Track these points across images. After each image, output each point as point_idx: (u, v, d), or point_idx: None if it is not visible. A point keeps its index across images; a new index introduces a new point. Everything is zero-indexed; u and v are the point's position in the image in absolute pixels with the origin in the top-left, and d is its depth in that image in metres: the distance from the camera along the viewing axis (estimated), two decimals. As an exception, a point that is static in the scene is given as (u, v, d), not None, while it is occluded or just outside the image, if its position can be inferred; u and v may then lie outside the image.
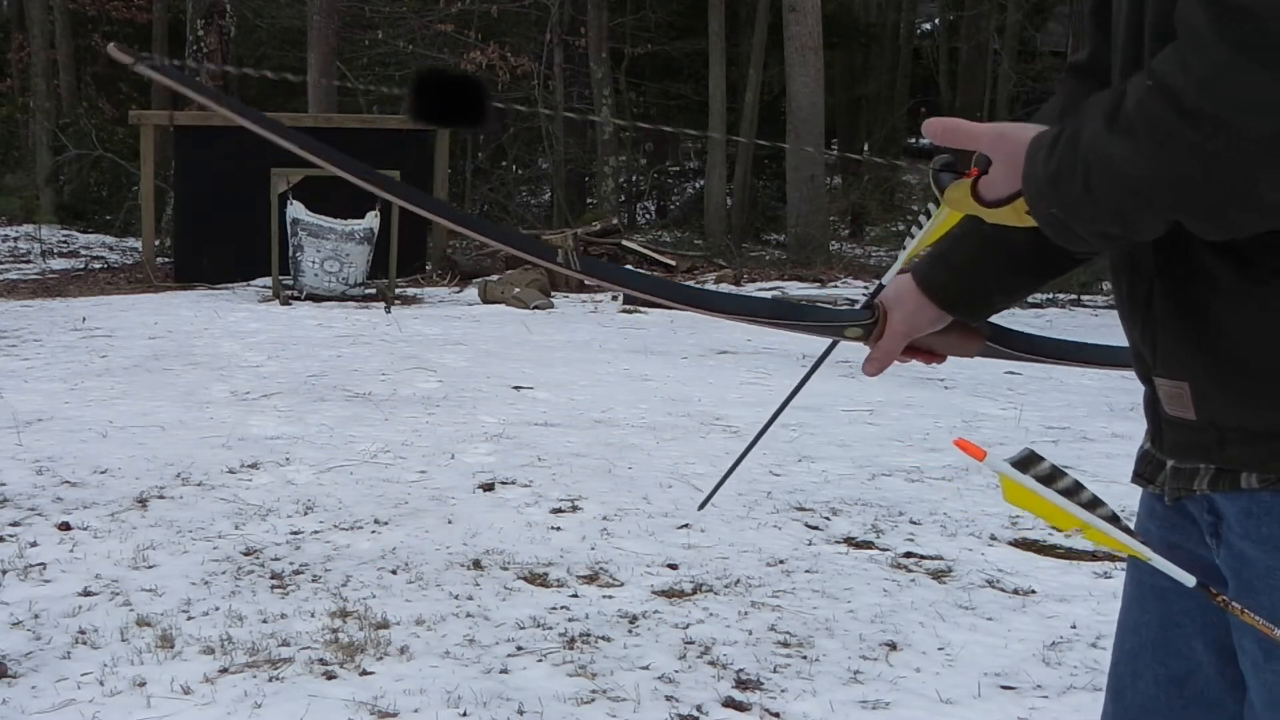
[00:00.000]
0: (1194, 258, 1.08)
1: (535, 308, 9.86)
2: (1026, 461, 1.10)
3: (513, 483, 4.66)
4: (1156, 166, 0.97)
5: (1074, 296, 11.23)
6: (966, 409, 6.31)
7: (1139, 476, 1.29)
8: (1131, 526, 1.16)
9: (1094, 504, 1.10)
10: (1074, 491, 1.10)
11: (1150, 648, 1.28)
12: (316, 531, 4.05)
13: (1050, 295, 11.36)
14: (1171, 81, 0.94)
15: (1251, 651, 1.14)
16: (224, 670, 2.97)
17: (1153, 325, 1.16)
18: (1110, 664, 1.36)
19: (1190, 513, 1.22)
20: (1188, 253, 1.09)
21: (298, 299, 9.86)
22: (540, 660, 3.10)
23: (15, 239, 14.60)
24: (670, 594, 3.59)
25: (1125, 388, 6.96)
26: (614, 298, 10.62)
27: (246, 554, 3.81)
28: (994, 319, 1.45)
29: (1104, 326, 9.89)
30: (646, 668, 3.07)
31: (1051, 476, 1.10)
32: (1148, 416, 1.26)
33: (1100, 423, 6.00)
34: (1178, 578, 1.11)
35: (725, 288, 11.44)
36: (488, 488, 4.60)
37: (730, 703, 2.89)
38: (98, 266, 12.70)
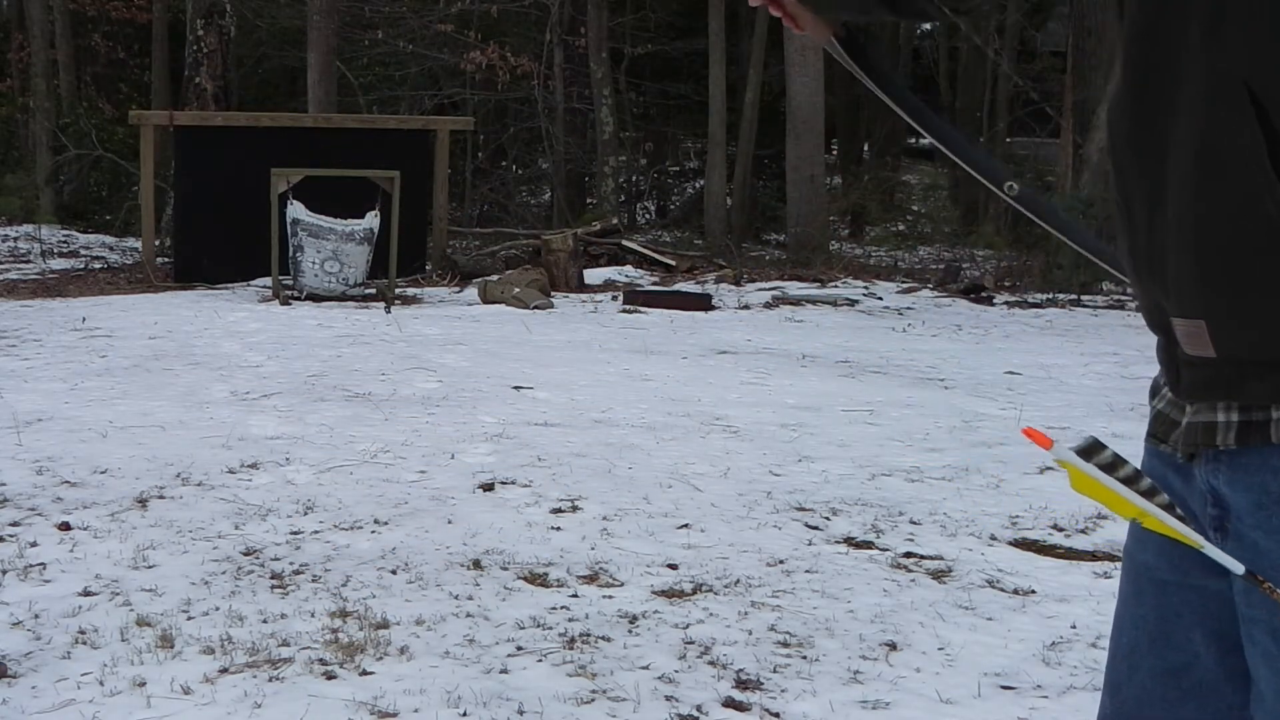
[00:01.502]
0: (1209, 189, 1.11)
1: (535, 308, 9.86)
2: (1090, 450, 1.12)
3: (513, 483, 4.66)
4: None
5: (1074, 296, 11.23)
6: (966, 409, 6.31)
7: (1152, 437, 1.30)
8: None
9: (1152, 491, 1.12)
10: (1134, 479, 1.12)
11: (1147, 641, 1.29)
12: (316, 531, 4.05)
13: (1050, 295, 11.36)
14: None
15: (1263, 643, 1.14)
16: (224, 670, 2.97)
17: (1163, 268, 1.17)
18: (1108, 659, 1.36)
19: (1191, 508, 1.22)
20: (1199, 184, 1.11)
21: (298, 299, 9.86)
22: (540, 660, 3.10)
23: (15, 239, 14.58)
24: (670, 594, 3.59)
25: (1125, 388, 6.96)
26: (614, 297, 10.62)
27: (246, 554, 3.81)
28: None
29: (1104, 326, 9.89)
30: (646, 668, 3.07)
31: (1114, 465, 1.12)
32: (1165, 368, 1.27)
33: (1100, 423, 6.00)
34: (1228, 565, 1.12)
35: (726, 288, 11.44)
36: (488, 488, 4.60)
37: (730, 703, 2.89)
38: (98, 266, 12.69)
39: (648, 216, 20.71)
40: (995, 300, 11.40)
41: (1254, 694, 1.17)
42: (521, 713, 2.80)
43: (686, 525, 4.23)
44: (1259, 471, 1.13)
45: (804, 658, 3.16)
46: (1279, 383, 1.11)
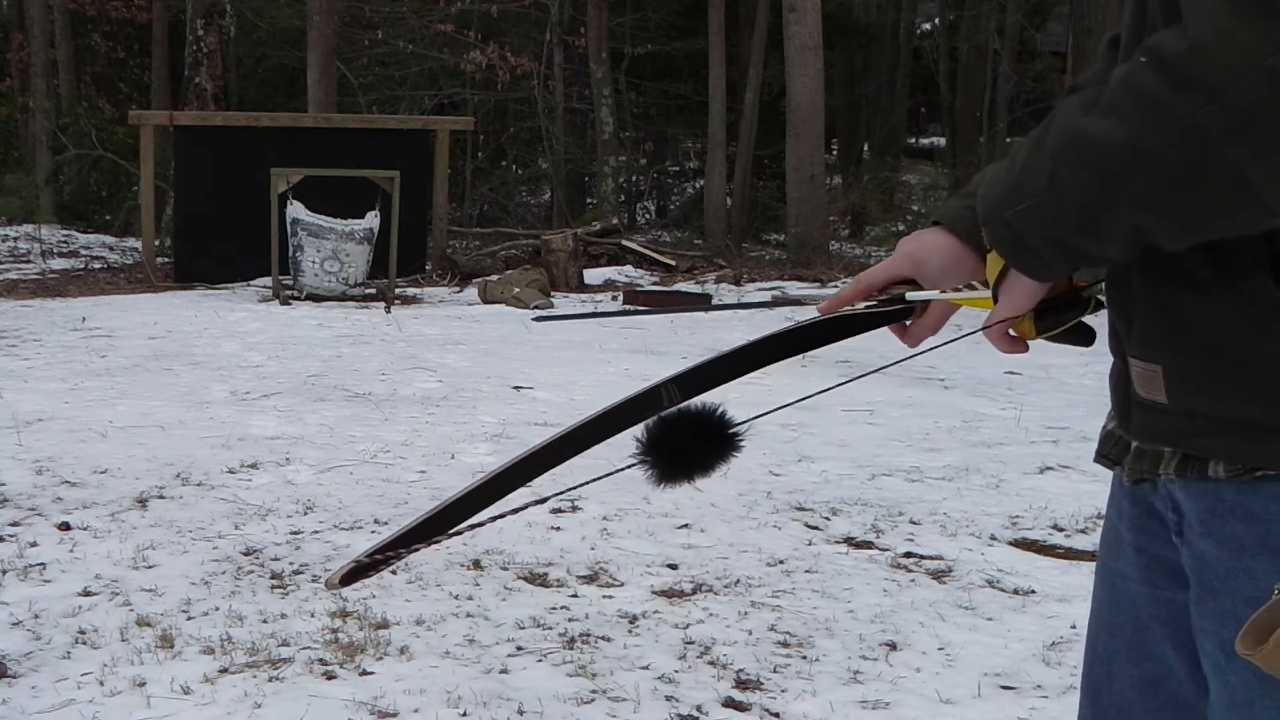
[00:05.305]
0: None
1: (535, 308, 9.86)
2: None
3: (513, 483, 4.65)
4: (1138, 140, 0.95)
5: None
6: (966, 409, 6.31)
7: (1103, 457, 1.28)
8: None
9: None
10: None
11: (1126, 649, 1.26)
12: (316, 531, 4.05)
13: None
14: (1168, 50, 0.93)
15: (1213, 654, 1.11)
16: (224, 670, 2.97)
17: (1129, 303, 1.15)
18: (1084, 665, 1.33)
19: (1158, 512, 1.20)
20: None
21: (298, 299, 9.86)
22: (540, 660, 3.10)
23: (15, 239, 14.58)
24: (670, 594, 3.59)
25: (1125, 388, 6.95)
26: (614, 297, 10.62)
27: (246, 554, 3.81)
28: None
29: (1103, 326, 9.86)
30: (646, 668, 3.07)
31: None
32: (1115, 394, 1.24)
33: (1100, 423, 5.99)
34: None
35: (726, 288, 11.44)
36: (488, 488, 4.60)
37: (730, 703, 2.89)
38: (98, 266, 12.70)
39: (648, 216, 20.70)
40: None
41: (1209, 704, 1.15)
42: (521, 713, 2.80)
43: (686, 525, 4.23)
44: (1215, 481, 1.10)
45: (804, 658, 3.16)
46: (1229, 443, 1.06)
